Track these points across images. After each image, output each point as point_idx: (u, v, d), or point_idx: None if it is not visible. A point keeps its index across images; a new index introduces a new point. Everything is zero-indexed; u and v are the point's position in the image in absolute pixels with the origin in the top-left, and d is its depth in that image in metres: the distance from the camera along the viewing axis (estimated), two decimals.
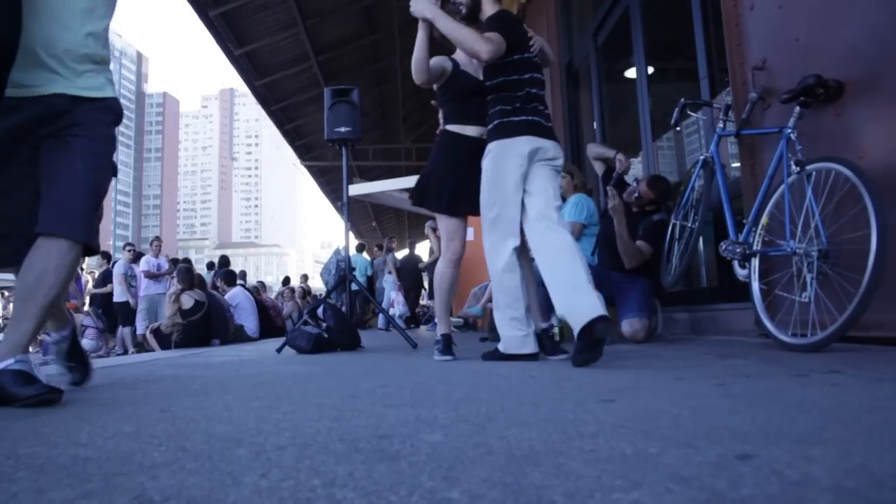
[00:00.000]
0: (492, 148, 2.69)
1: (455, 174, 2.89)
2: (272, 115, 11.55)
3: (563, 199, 4.68)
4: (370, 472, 0.83)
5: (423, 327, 9.95)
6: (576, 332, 2.33)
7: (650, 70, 5.29)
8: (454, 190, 2.89)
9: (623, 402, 1.36)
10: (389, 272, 10.39)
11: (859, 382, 1.56)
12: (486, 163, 2.70)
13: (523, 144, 2.63)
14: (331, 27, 9.44)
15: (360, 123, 4.84)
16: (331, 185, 16.33)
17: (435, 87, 3.00)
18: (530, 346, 2.64)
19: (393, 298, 9.87)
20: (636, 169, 5.35)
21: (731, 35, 3.27)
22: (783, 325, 2.45)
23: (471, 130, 2.91)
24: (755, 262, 2.70)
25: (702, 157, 3.23)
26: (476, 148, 2.83)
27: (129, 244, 9.50)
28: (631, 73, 5.53)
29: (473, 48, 2.64)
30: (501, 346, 2.68)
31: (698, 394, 1.45)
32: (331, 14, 9.04)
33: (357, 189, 11.49)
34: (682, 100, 3.35)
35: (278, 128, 12.31)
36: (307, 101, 11.11)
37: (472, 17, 2.83)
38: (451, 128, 2.96)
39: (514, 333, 2.64)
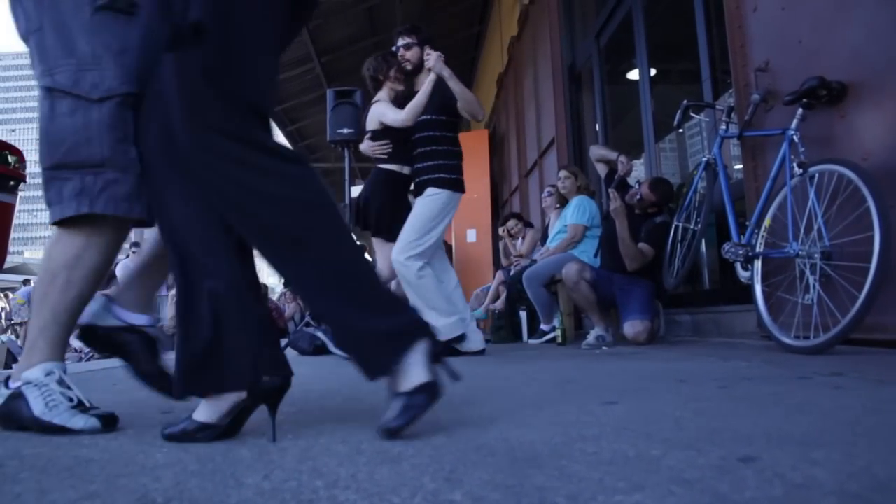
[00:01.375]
0: (443, 194, 3.28)
1: (394, 207, 3.46)
2: (275, 116, 11.54)
3: (566, 201, 4.70)
4: (372, 473, 0.83)
5: None
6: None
7: (653, 72, 5.28)
8: (393, 220, 3.42)
9: (625, 405, 1.36)
10: None
11: (862, 385, 1.55)
12: (436, 201, 3.27)
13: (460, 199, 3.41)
14: (334, 29, 9.45)
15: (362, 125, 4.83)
16: (333, 187, 16.33)
17: (373, 128, 3.53)
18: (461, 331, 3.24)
19: None
20: (639, 171, 5.35)
21: (734, 37, 3.27)
22: (786, 328, 2.44)
23: (406, 170, 3.48)
24: (758, 264, 2.69)
25: (704, 159, 3.22)
26: (406, 183, 3.51)
27: (135, 244, 9.49)
28: (633, 74, 5.53)
29: (476, 108, 3.37)
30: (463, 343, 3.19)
31: (701, 396, 1.45)
32: (334, 16, 9.05)
33: (359, 190, 11.48)
34: (685, 101, 3.34)
35: (281, 129, 12.31)
36: (310, 102, 11.12)
37: (414, 73, 3.48)
38: (393, 167, 3.48)
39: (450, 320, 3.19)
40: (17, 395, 1.23)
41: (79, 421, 1.19)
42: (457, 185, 3.36)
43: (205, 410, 1.12)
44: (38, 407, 1.20)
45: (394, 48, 3.50)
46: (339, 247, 1.15)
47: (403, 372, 1.11)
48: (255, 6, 1.20)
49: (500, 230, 6.12)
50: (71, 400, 1.22)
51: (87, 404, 1.24)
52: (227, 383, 1.12)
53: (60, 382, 1.24)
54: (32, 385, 1.22)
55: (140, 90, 1.23)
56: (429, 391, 1.09)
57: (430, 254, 3.26)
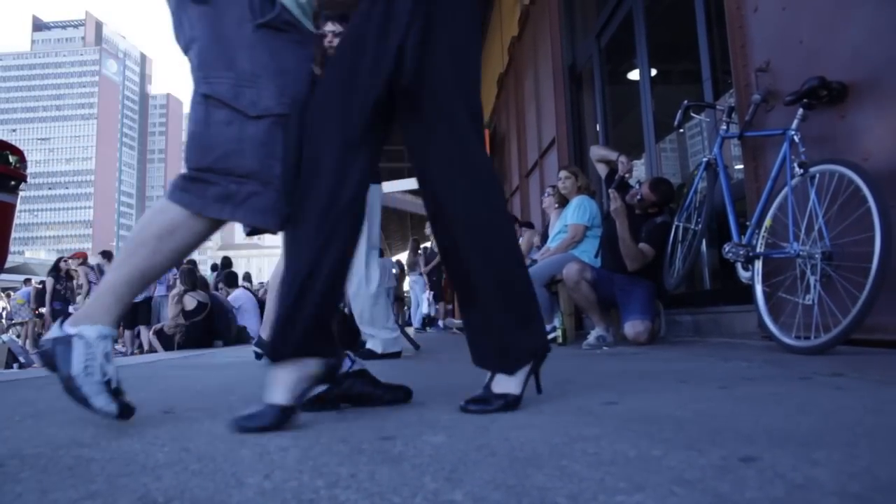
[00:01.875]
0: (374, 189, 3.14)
1: None
2: None
3: (567, 201, 4.69)
4: (373, 473, 0.83)
5: (428, 329, 9.95)
6: None
7: (653, 72, 5.28)
8: None
9: (626, 405, 1.36)
10: (421, 273, 10.38)
11: (863, 386, 1.55)
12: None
13: None
14: None
15: None
16: None
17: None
18: (400, 345, 3.39)
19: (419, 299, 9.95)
20: (639, 171, 5.34)
21: (735, 37, 3.27)
22: (786, 328, 2.44)
23: None
24: (758, 264, 2.69)
25: (705, 159, 3.22)
26: None
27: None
28: (634, 74, 5.53)
29: None
30: (380, 348, 3.26)
31: (701, 396, 1.45)
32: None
33: None
34: (686, 102, 3.34)
35: None
36: None
37: None
38: None
39: (392, 335, 3.33)
40: (66, 342, 1.24)
41: (100, 400, 1.21)
42: (374, 177, 3.28)
43: (280, 393, 1.19)
44: (77, 366, 1.22)
45: (321, 31, 3.40)
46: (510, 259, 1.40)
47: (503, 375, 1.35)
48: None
49: None
50: (104, 374, 1.24)
51: (115, 385, 1.25)
52: (310, 350, 1.24)
53: (106, 354, 1.25)
54: (84, 341, 1.24)
55: (291, 111, 1.32)
56: (508, 401, 1.33)
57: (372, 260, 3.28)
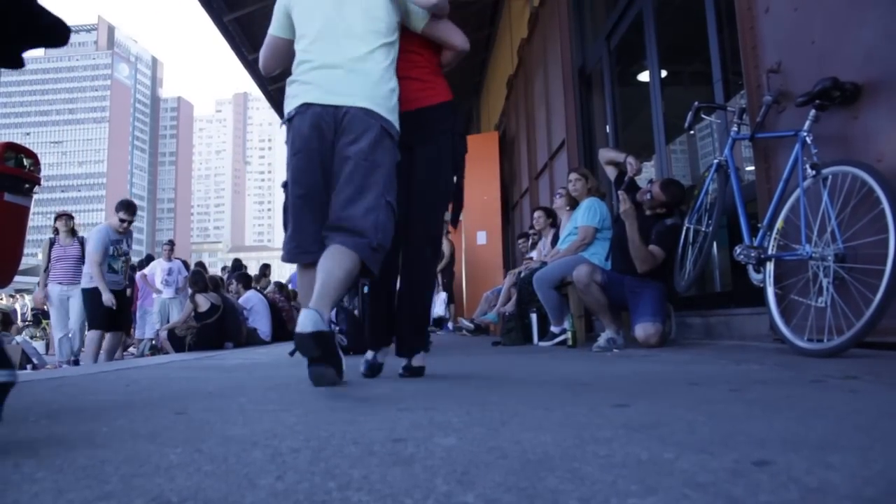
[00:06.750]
0: None
1: None
2: None
3: (577, 203, 4.68)
4: (385, 475, 0.83)
5: (438, 331, 9.94)
6: None
7: (664, 73, 5.26)
8: None
9: (637, 407, 1.35)
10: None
11: (877, 389, 1.54)
12: None
13: None
14: None
15: None
16: None
17: None
18: None
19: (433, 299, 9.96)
20: (649, 173, 5.31)
21: (746, 38, 3.25)
22: (799, 331, 2.42)
23: None
24: (770, 266, 2.67)
25: (716, 161, 3.20)
26: None
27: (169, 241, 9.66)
28: (644, 76, 5.51)
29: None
30: None
31: (713, 399, 1.44)
32: None
33: None
34: (696, 103, 3.32)
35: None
36: None
37: None
38: None
39: None
40: None
41: None
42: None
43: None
44: None
45: None
46: None
47: None
48: None
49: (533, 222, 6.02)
50: None
51: None
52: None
53: None
54: None
55: None
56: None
57: None
